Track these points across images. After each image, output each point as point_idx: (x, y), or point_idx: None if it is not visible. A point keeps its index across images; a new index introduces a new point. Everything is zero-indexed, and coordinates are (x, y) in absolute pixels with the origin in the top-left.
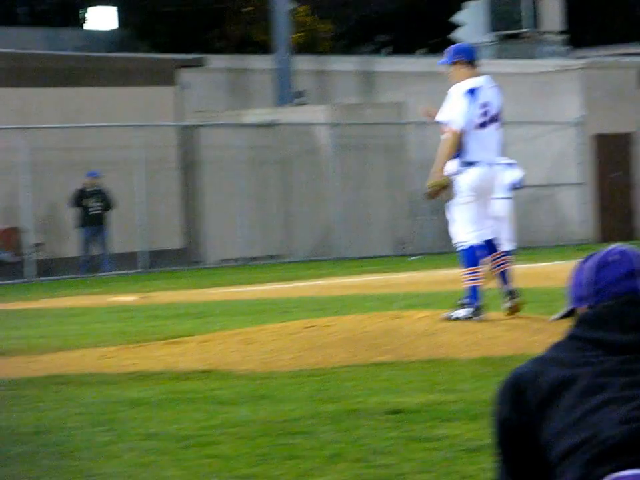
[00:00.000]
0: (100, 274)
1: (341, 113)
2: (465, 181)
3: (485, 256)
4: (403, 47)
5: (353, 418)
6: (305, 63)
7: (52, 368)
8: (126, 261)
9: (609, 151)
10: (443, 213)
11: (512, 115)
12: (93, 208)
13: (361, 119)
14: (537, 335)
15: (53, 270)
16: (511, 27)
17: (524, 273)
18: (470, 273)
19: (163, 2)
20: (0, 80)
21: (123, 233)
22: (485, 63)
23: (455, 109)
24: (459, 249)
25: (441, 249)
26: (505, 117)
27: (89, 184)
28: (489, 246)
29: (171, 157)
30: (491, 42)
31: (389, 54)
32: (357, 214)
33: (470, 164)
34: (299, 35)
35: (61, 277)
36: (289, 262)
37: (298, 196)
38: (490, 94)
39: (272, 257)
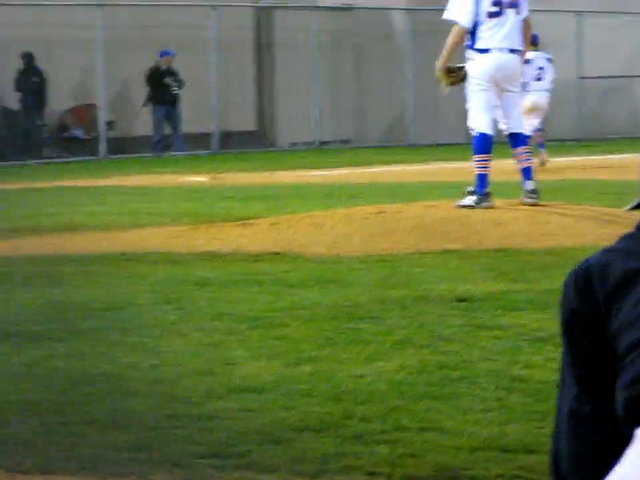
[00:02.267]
0: (171, 153)
1: None
2: (476, 68)
3: (512, 146)
4: None
5: (420, 304)
6: None
7: (122, 245)
8: (198, 141)
9: None
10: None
11: (590, 4)
12: (166, 87)
13: (438, 4)
14: (609, 227)
15: (125, 148)
16: None
17: (598, 164)
18: (478, 161)
19: None
20: None
21: (195, 113)
22: None
23: (457, 6)
24: (472, 135)
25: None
26: (585, 5)
27: (164, 63)
28: (513, 139)
29: (245, 38)
30: None
31: None
32: (430, 101)
33: (481, 51)
34: None
35: (133, 155)
36: (361, 147)
37: (372, 81)
38: None
39: (344, 141)
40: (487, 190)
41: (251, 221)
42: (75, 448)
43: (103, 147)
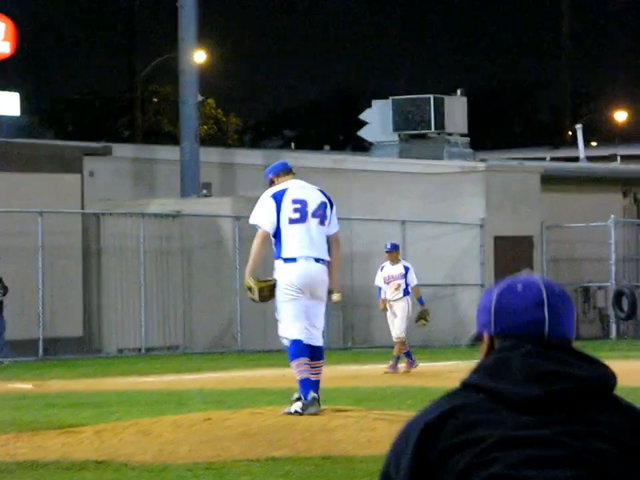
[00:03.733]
0: None
1: (245, 206)
2: (283, 277)
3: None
4: (309, 143)
5: None
6: (211, 155)
7: None
8: (23, 347)
9: (510, 253)
10: (349, 309)
11: (415, 214)
12: None
13: None
14: None
15: None
16: (415, 127)
17: (421, 372)
18: (297, 366)
19: (69, 89)
20: None
21: (20, 320)
22: (390, 162)
23: (259, 212)
24: (284, 344)
25: (340, 345)
26: (409, 214)
27: None
28: (310, 350)
29: (73, 244)
30: (395, 141)
31: (294, 149)
32: (259, 307)
33: (287, 260)
34: (207, 127)
35: None
36: (190, 353)
37: (200, 287)
38: (304, 193)
39: (172, 347)
40: (314, 395)
41: (76, 429)
42: None
43: None
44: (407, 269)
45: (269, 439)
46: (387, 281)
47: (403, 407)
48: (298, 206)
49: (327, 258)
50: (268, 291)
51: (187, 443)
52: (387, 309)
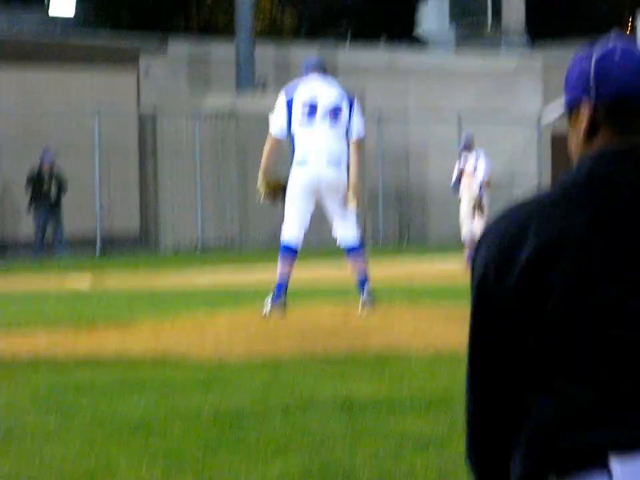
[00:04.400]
0: (54, 257)
1: None
2: (293, 179)
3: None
4: (365, 38)
5: (303, 409)
6: (266, 51)
7: (2, 351)
8: (81, 245)
9: (567, 150)
10: (404, 206)
11: (472, 111)
12: (48, 191)
13: None
14: None
15: (6, 252)
16: (472, 21)
17: None
18: (281, 267)
19: None
20: None
21: (78, 217)
22: (446, 58)
23: (273, 115)
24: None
25: (395, 243)
26: (464, 111)
27: (45, 166)
28: (344, 250)
29: (129, 143)
30: (452, 37)
31: (350, 43)
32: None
33: (299, 163)
34: (262, 21)
35: (14, 259)
36: (246, 251)
37: (255, 185)
38: (319, 93)
39: (228, 245)
40: (282, 300)
41: (134, 325)
42: None
43: None
44: (478, 163)
45: (325, 338)
46: (461, 176)
47: (459, 306)
48: (307, 109)
49: (342, 161)
50: (276, 193)
51: (243, 341)
52: (462, 205)
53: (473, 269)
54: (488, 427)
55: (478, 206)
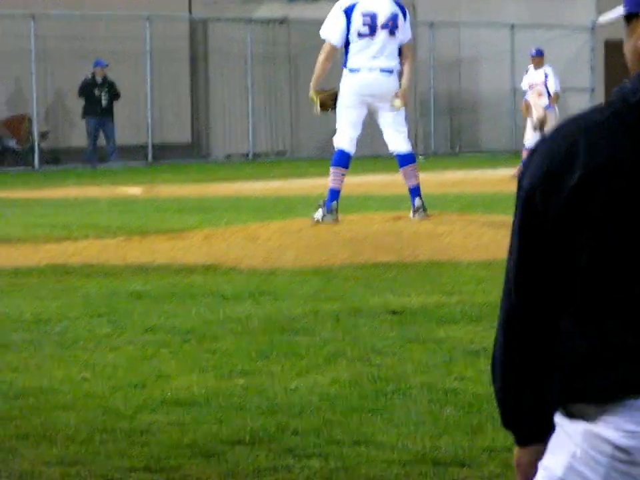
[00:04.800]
0: (105, 165)
1: None
2: (345, 86)
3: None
4: None
5: (354, 317)
6: None
7: (54, 257)
8: (132, 153)
9: (621, 58)
10: (456, 113)
11: (524, 18)
12: (100, 98)
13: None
14: None
15: (59, 159)
16: None
17: None
18: (333, 174)
19: None
20: None
21: (130, 125)
22: None
23: (329, 25)
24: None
25: (447, 151)
26: (517, 19)
27: (98, 73)
28: (397, 158)
29: (180, 49)
30: None
31: None
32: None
33: (351, 70)
34: None
35: (66, 166)
36: (296, 159)
37: (307, 93)
38: (375, 4)
39: (279, 153)
40: (334, 205)
41: (185, 233)
42: (7, 463)
43: (36, 158)
44: (547, 75)
45: (376, 244)
46: (531, 87)
47: (509, 213)
48: (367, 19)
49: (396, 68)
50: (329, 101)
51: (294, 248)
52: (529, 116)
53: (520, 182)
54: (528, 323)
55: (544, 120)
